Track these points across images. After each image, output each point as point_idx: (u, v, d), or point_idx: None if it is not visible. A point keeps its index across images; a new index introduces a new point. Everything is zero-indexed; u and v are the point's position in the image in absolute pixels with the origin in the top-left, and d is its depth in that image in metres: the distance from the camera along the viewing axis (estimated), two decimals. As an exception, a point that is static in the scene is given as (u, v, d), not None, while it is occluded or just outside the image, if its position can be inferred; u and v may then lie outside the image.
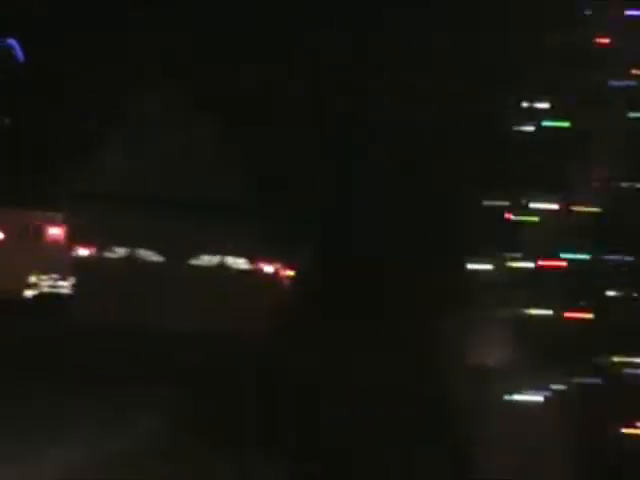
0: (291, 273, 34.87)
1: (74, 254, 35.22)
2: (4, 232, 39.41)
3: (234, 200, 34.33)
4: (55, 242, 40.05)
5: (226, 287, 33.97)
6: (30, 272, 38.50)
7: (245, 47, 34.77)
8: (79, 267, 35.02)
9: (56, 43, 37.05)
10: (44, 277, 38.65)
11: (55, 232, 40.12)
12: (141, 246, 34.98)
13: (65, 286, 38.10)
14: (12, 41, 39.48)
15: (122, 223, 34.16)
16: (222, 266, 35.09)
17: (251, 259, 34.85)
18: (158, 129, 34.97)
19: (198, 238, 34.46)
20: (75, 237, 35.39)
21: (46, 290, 38.24)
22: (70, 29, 37.71)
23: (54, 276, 38.65)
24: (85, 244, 34.75)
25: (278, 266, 34.83)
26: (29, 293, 38.28)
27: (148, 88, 35.19)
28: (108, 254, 35.18)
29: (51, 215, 39.62)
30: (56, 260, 38.80)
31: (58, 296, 37.39)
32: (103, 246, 34.97)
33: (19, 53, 39.62)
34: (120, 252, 35.17)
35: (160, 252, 34.84)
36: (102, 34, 36.33)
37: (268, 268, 34.70)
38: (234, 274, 34.81)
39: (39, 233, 40.20)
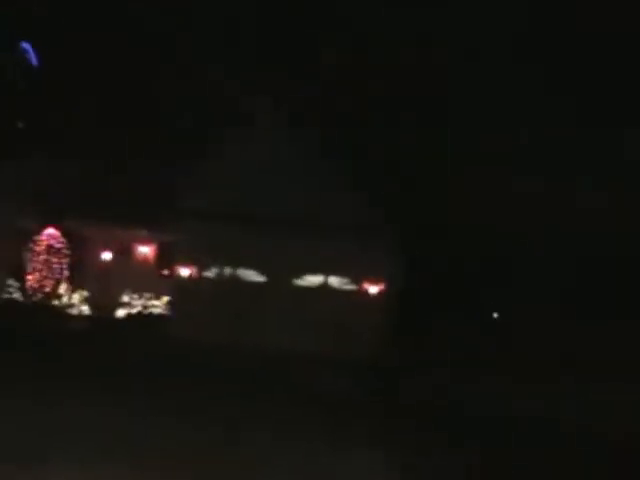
0: (393, 293, 34.21)
1: (175, 273, 34.59)
2: (95, 250, 38.86)
3: (338, 219, 33.57)
4: (145, 261, 39.81)
5: (329, 307, 33.13)
6: (122, 291, 38.07)
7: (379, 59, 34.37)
8: (180, 287, 34.34)
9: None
10: (136, 296, 38.16)
11: (145, 251, 39.88)
12: (242, 266, 34.27)
13: (158, 305, 37.68)
14: (26, 45, 39.69)
15: (223, 242, 33.47)
16: (325, 286, 34.28)
17: (355, 279, 33.98)
18: (262, 146, 34.34)
19: (300, 258, 33.63)
20: (176, 256, 34.74)
21: (139, 309, 37.62)
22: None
23: (146, 295, 38.15)
24: (186, 264, 34.08)
25: (382, 286, 34.00)
26: (122, 312, 37.73)
27: (259, 102, 34.78)
28: (209, 274, 34.50)
29: (141, 233, 39.12)
30: (147, 279, 38.42)
31: (152, 315, 37.02)
32: (204, 266, 34.30)
33: (33, 57, 39.88)
34: (221, 272, 34.46)
35: (262, 272, 34.08)
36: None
37: (373, 288, 33.83)
38: (338, 294, 33.97)
39: (130, 252, 39.81)
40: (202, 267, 34.18)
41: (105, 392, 19.91)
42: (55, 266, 38.73)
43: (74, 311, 38.06)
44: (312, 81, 34.27)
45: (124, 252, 39.31)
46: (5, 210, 38.67)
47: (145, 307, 37.87)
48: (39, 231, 39.03)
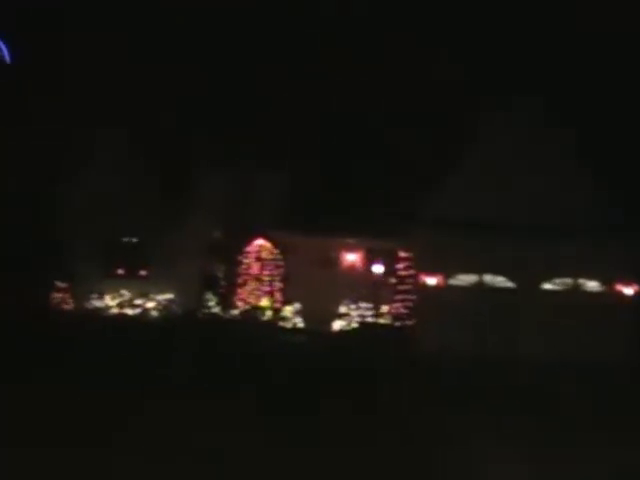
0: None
1: (420, 282, 33.81)
2: (307, 261, 37.51)
3: (585, 221, 32.83)
4: (353, 269, 38.83)
5: (583, 312, 32.38)
6: (338, 302, 37.04)
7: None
8: (426, 296, 33.63)
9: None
10: (353, 307, 37.14)
11: (352, 259, 38.99)
12: (490, 272, 33.59)
13: (381, 315, 36.49)
14: None
15: (470, 250, 32.84)
16: (576, 290, 33.53)
17: (607, 281, 33.20)
18: (507, 152, 33.72)
19: (549, 261, 32.92)
20: (420, 265, 34.02)
21: (358, 320, 36.48)
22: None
23: (363, 305, 37.13)
24: (431, 272, 33.35)
25: (636, 287, 33.21)
26: (339, 324, 36.71)
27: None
28: (455, 282, 33.83)
29: (349, 241, 38.46)
30: (359, 288, 37.28)
31: (383, 326, 35.67)
32: (450, 274, 33.64)
33: (5, 54, 38.91)
34: (468, 279, 33.79)
35: (511, 277, 33.38)
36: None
37: (627, 290, 33.07)
38: (590, 297, 33.21)
39: (339, 261, 38.94)
40: (448, 275, 33.54)
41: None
42: (266, 278, 38.02)
43: (287, 324, 37.13)
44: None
45: (331, 261, 38.50)
46: (202, 223, 38.58)
47: (363, 317, 36.90)
48: (247, 243, 38.33)
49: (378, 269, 37.15)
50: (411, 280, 34.82)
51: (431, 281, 33.23)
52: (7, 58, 38.90)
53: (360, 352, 30.05)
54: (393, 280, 36.32)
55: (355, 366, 25.88)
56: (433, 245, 32.77)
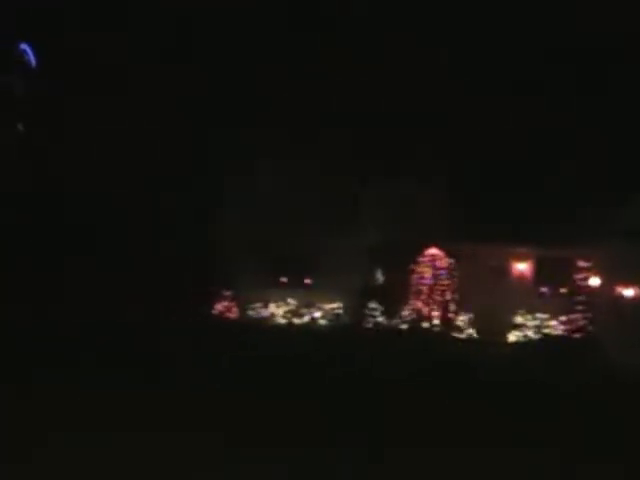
0: None
1: (615, 294, 31.87)
2: (479, 269, 36.28)
3: None
4: (522, 279, 37.28)
5: None
6: (513, 312, 35.57)
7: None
8: (620, 308, 31.54)
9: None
10: (530, 317, 35.59)
11: (522, 268, 37.43)
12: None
13: (558, 327, 34.98)
14: (25, 46, 38.42)
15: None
16: None
17: None
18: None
19: None
20: (613, 276, 32.00)
21: (535, 331, 35.06)
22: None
23: (539, 316, 35.49)
24: (627, 284, 31.28)
25: None
26: (515, 335, 35.29)
27: None
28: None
29: (520, 250, 36.99)
30: (531, 298, 36.18)
31: (566, 338, 34.06)
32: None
33: (32, 58, 38.46)
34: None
35: None
36: None
37: None
38: None
39: (511, 270, 37.41)
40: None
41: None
42: (442, 288, 36.68)
43: (461, 335, 35.88)
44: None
45: (504, 270, 37.04)
46: (368, 231, 37.34)
47: (539, 329, 35.31)
48: (419, 252, 37.05)
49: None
50: (593, 291, 32.92)
51: (628, 293, 31.24)
52: (33, 62, 38.51)
53: (556, 365, 28.33)
54: (567, 290, 34.99)
55: (561, 381, 24.57)
56: (630, 255, 30.66)
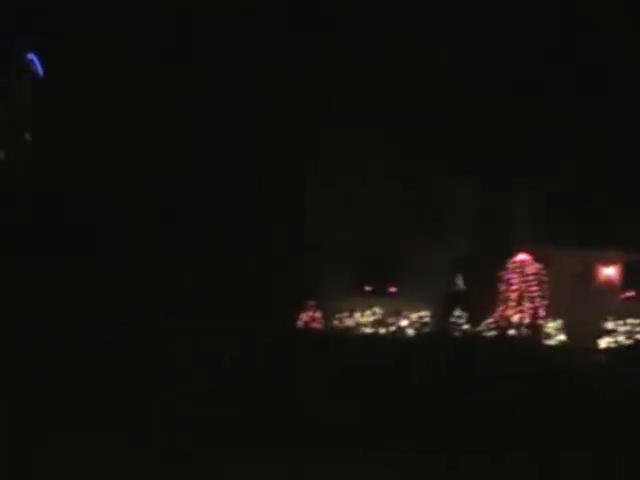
0: None
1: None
2: (568, 274, 36.22)
3: None
4: (609, 283, 37.34)
5: None
6: (603, 318, 35.34)
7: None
8: None
9: None
10: (620, 322, 35.37)
11: (609, 273, 37.47)
12: None
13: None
14: (32, 55, 38.60)
15: None
16: None
17: None
18: None
19: None
20: None
21: (627, 337, 34.97)
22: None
23: (630, 321, 35.31)
24: None
25: None
26: (606, 340, 34.95)
27: None
28: None
29: (608, 254, 36.99)
30: (620, 303, 36.45)
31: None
32: None
33: (39, 67, 38.61)
34: None
35: None
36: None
37: None
38: None
39: (600, 274, 37.44)
40: None
41: None
42: (533, 294, 36.36)
43: (551, 341, 35.56)
44: None
45: (593, 274, 37.02)
46: (453, 238, 37.10)
47: (630, 334, 35.12)
48: (508, 257, 36.80)
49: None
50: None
51: None
52: (40, 72, 38.65)
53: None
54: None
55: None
56: None
